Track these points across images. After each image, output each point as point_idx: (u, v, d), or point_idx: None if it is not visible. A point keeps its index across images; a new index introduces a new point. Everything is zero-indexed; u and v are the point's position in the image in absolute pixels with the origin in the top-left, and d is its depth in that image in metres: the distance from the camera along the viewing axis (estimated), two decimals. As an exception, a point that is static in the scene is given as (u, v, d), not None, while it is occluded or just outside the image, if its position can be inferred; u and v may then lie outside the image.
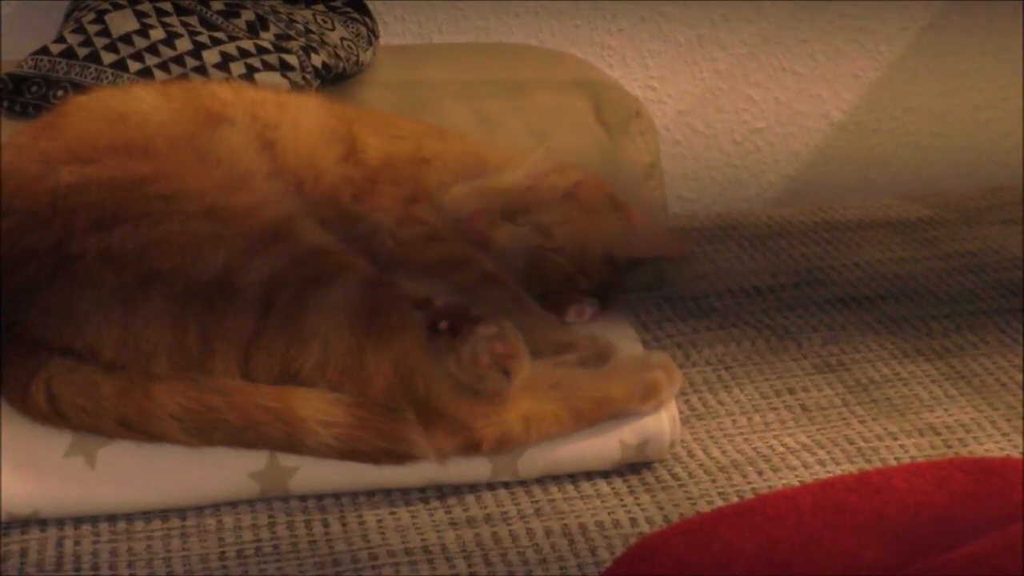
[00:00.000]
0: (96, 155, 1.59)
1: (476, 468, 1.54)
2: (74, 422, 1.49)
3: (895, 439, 1.67)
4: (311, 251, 1.52)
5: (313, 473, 1.51)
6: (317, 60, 2.10)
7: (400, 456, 1.49)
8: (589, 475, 1.58)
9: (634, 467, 1.60)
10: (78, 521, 1.50)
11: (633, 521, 1.50)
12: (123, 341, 1.49)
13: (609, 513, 1.51)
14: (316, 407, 1.48)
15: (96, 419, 1.48)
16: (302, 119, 1.78)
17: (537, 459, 1.55)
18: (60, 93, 1.99)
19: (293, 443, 1.49)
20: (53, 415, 1.49)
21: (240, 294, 1.49)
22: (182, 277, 1.49)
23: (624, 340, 1.70)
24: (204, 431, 1.48)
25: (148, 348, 1.49)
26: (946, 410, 1.74)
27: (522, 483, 1.56)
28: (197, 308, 1.48)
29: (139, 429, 1.48)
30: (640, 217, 1.80)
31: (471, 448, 1.51)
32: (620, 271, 1.81)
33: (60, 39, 2.05)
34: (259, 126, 1.74)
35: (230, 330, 1.49)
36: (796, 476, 1.58)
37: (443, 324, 1.50)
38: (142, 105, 1.73)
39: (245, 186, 1.63)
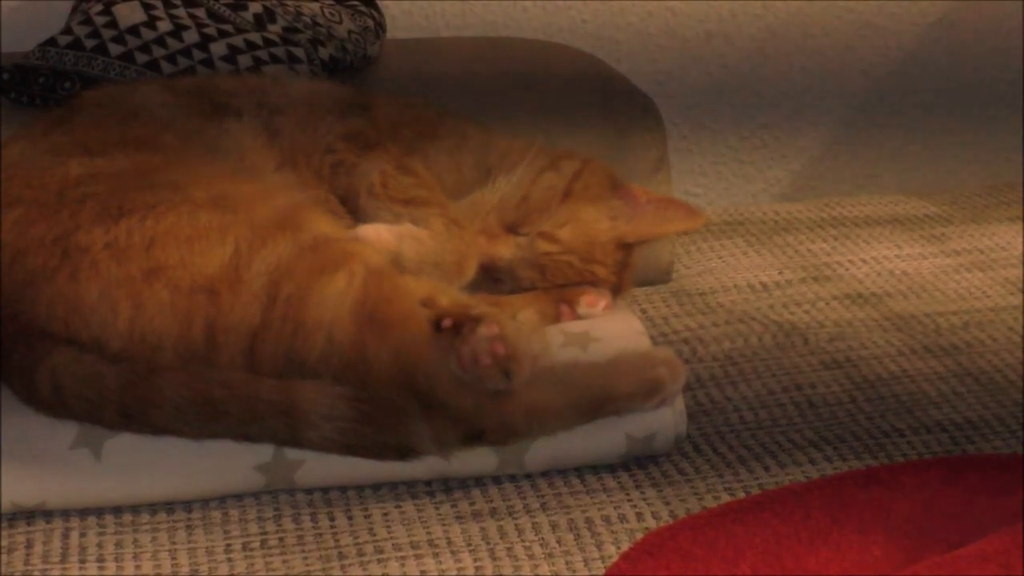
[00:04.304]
0: (107, 149, 1.59)
1: (482, 461, 1.53)
2: (77, 413, 1.49)
3: (902, 436, 1.66)
4: (318, 240, 1.52)
5: (319, 466, 1.51)
6: (324, 53, 2.10)
7: (403, 450, 1.49)
8: (595, 469, 1.58)
9: (640, 462, 1.60)
10: (84, 513, 1.50)
11: (639, 516, 1.50)
12: (129, 334, 1.49)
13: (615, 508, 1.51)
14: (319, 401, 1.47)
15: (99, 410, 1.48)
16: (308, 93, 1.79)
17: (543, 452, 1.55)
18: (67, 85, 1.99)
19: (296, 438, 1.49)
20: (57, 405, 1.49)
21: (246, 286, 1.49)
22: (188, 269, 1.49)
23: (631, 333, 1.69)
24: (207, 424, 1.48)
25: (154, 341, 1.49)
26: (953, 407, 1.73)
27: (528, 477, 1.56)
28: (203, 301, 1.48)
29: (142, 421, 1.48)
30: (645, 195, 1.78)
31: (474, 439, 1.50)
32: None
33: (67, 31, 2.06)
34: (265, 113, 1.74)
35: (235, 322, 1.49)
36: (803, 472, 1.58)
37: (447, 322, 1.50)
38: (150, 101, 1.73)
39: (253, 178, 1.63)
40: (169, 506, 1.51)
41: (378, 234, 1.62)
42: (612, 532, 1.47)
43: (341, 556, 1.43)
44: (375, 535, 1.47)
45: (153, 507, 1.51)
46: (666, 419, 1.58)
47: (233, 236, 1.50)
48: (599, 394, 1.54)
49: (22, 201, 1.54)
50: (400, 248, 1.61)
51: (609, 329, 1.68)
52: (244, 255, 1.49)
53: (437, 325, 1.50)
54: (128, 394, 1.47)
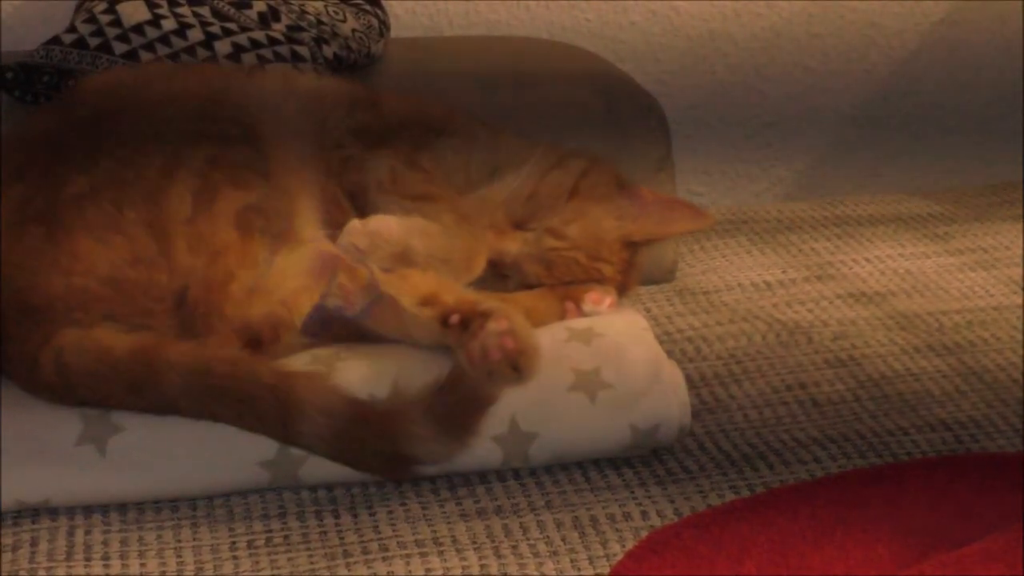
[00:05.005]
0: (109, 122, 1.62)
1: (487, 455, 1.53)
2: (83, 394, 1.48)
3: (906, 434, 1.66)
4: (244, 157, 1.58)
5: (323, 462, 1.51)
6: (329, 52, 2.10)
7: (397, 461, 1.48)
8: (600, 466, 1.58)
9: (645, 459, 1.60)
10: (88, 510, 1.50)
11: (644, 514, 1.50)
12: (134, 259, 1.51)
13: (620, 506, 1.51)
14: (316, 393, 1.46)
15: (107, 386, 1.47)
16: (314, 89, 1.80)
17: (548, 445, 1.55)
18: (72, 83, 1.99)
19: (289, 433, 1.48)
20: (61, 388, 1.48)
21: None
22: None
23: (635, 330, 1.69)
24: (207, 403, 1.47)
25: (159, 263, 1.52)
26: (957, 406, 1.73)
27: (532, 474, 1.56)
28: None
29: (150, 396, 1.47)
30: (651, 195, 1.78)
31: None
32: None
33: (72, 29, 2.06)
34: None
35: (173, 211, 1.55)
36: (807, 470, 1.58)
37: (454, 319, 1.50)
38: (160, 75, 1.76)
39: None
40: (174, 503, 1.51)
41: (388, 226, 1.61)
42: (617, 530, 1.47)
43: (346, 554, 1.43)
44: (380, 533, 1.47)
45: (158, 504, 1.51)
46: (671, 410, 1.58)
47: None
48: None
49: (17, 181, 1.55)
50: (409, 242, 1.61)
51: (613, 325, 1.68)
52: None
53: (444, 322, 1.50)
54: (137, 362, 1.47)
